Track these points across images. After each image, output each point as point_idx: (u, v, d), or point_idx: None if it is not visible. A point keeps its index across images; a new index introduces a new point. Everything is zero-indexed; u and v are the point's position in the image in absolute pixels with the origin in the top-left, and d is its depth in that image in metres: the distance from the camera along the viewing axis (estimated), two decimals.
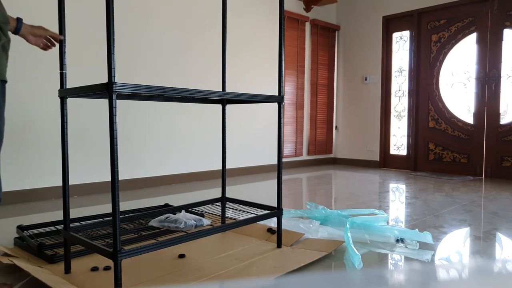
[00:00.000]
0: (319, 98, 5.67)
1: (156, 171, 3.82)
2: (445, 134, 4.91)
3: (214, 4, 4.22)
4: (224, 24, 2.12)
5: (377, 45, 5.47)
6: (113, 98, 1.24)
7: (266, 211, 1.91)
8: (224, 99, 2.11)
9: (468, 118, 4.72)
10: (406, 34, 5.25)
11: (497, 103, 4.47)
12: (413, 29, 5.12)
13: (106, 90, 1.24)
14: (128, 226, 2.12)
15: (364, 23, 5.61)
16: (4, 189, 2.95)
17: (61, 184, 2.98)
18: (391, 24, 5.38)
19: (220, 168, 4.29)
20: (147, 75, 3.71)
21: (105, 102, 3.36)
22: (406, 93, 5.27)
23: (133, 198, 3.21)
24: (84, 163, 3.32)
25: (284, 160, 5.21)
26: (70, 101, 3.20)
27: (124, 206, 2.83)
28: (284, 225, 2.15)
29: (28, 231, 2.03)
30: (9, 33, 1.49)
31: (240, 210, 2.18)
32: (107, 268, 1.62)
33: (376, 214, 2.38)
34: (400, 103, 5.35)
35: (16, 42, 2.75)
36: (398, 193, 3.51)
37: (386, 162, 5.45)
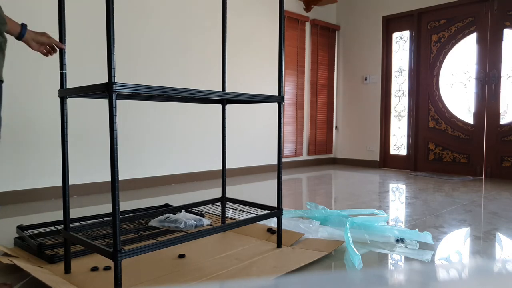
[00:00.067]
0: (319, 98, 5.67)
1: (156, 171, 3.82)
2: (445, 134, 4.91)
3: (214, 4, 4.22)
4: (224, 24, 2.12)
5: (377, 45, 5.47)
6: (113, 98, 1.24)
7: (266, 211, 1.91)
8: (224, 99, 2.11)
9: (468, 118, 4.72)
10: (406, 34, 5.25)
11: (497, 103, 4.47)
12: (413, 29, 5.12)
13: (106, 90, 1.24)
14: (128, 226, 2.12)
15: (364, 23, 5.61)
16: (4, 189, 2.95)
17: (61, 184, 2.98)
18: (391, 24, 5.38)
19: (220, 168, 4.29)
20: (147, 75, 3.71)
21: (105, 102, 3.36)
22: (406, 93, 5.27)
23: (133, 198, 3.21)
24: (84, 163, 3.32)
25: (284, 160, 5.21)
26: (70, 101, 3.20)
27: (124, 206, 2.83)
28: (284, 225, 2.15)
29: (28, 231, 2.03)
30: (8, 34, 1.49)
31: (240, 210, 2.18)
32: (107, 268, 1.62)
33: (376, 214, 2.38)
34: (400, 103, 5.35)
35: (16, 42, 2.75)
36: (398, 193, 3.51)
37: (386, 162, 5.45)
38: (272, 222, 2.30)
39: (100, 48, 3.36)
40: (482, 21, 4.56)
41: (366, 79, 5.59)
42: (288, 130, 5.21)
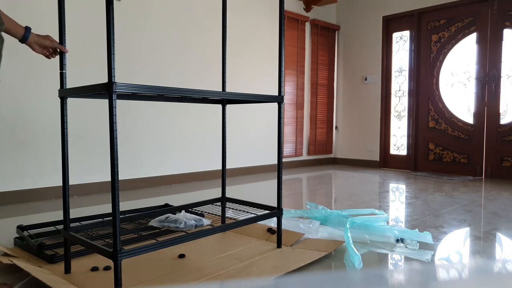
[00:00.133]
0: (319, 98, 5.67)
1: (156, 171, 3.82)
2: (445, 134, 4.91)
3: (214, 4, 4.22)
4: (224, 24, 2.12)
5: (377, 45, 5.47)
6: (113, 98, 1.24)
7: (266, 211, 1.91)
8: (224, 99, 2.11)
9: (468, 118, 4.72)
10: (406, 34, 5.25)
11: (497, 103, 4.47)
12: (413, 29, 5.12)
13: (106, 90, 1.24)
14: (128, 226, 2.12)
15: (364, 23, 5.61)
16: (4, 189, 2.95)
17: (61, 184, 2.98)
18: (391, 24, 5.38)
19: (220, 168, 4.29)
20: (147, 75, 3.71)
21: (105, 102, 3.36)
22: (406, 93, 5.27)
23: (133, 198, 3.21)
24: (84, 163, 3.32)
25: (284, 160, 5.21)
26: (70, 101, 3.20)
27: (124, 206, 2.83)
28: (284, 225, 2.15)
29: (28, 231, 2.03)
30: (12, 36, 1.50)
31: (240, 210, 2.18)
32: (107, 268, 1.62)
33: (376, 214, 2.38)
34: (400, 103, 5.35)
35: (16, 42, 2.74)
36: (398, 193, 3.51)
37: (386, 162, 5.45)
38: (272, 222, 2.30)
39: (100, 48, 3.36)
40: (482, 21, 4.56)
41: (366, 79, 5.59)
42: (288, 130, 5.21)
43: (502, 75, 4.44)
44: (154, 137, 3.79)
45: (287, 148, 5.22)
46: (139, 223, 2.12)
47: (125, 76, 3.52)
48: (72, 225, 1.97)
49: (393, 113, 5.42)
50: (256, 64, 4.74)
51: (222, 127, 2.15)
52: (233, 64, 4.46)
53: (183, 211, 1.84)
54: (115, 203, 1.25)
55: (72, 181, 3.23)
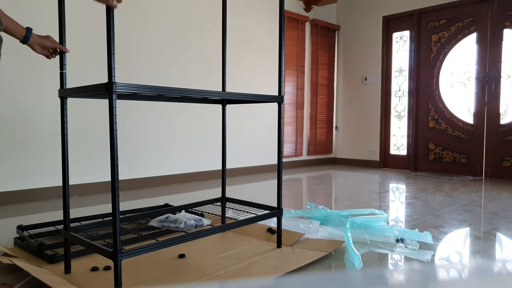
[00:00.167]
0: (319, 98, 5.67)
1: (156, 171, 3.82)
2: (445, 134, 4.91)
3: (214, 4, 4.22)
4: (224, 24, 2.12)
5: (377, 45, 5.47)
6: (113, 98, 1.24)
7: (266, 211, 1.91)
8: (224, 99, 2.11)
9: (468, 118, 4.72)
10: (406, 34, 5.25)
11: (497, 103, 4.47)
12: (413, 29, 5.12)
13: (106, 90, 1.24)
14: (128, 226, 2.12)
15: (364, 23, 5.61)
16: (4, 189, 2.95)
17: (61, 184, 2.98)
18: (391, 24, 5.38)
19: (220, 168, 4.29)
20: (147, 75, 3.71)
21: (105, 102, 3.36)
22: (406, 93, 5.27)
23: (133, 198, 3.21)
24: (84, 163, 3.32)
25: (284, 160, 5.21)
26: (70, 101, 3.20)
27: (124, 206, 2.83)
28: (284, 225, 2.15)
29: (28, 231, 2.03)
30: (13, 37, 1.50)
31: (240, 210, 2.18)
32: (107, 268, 1.62)
33: (376, 214, 2.38)
34: (400, 103, 5.35)
35: (16, 42, 2.74)
36: (398, 193, 3.51)
37: (386, 162, 5.45)
38: (272, 222, 2.30)
39: (100, 48, 3.36)
40: (482, 21, 4.56)
41: (366, 79, 5.59)
42: (288, 130, 5.21)
43: (502, 75, 4.44)
44: (154, 137, 3.79)
45: (287, 148, 5.22)
46: (139, 223, 2.12)
47: (125, 76, 3.52)
48: (72, 225, 1.97)
49: (393, 113, 5.42)
50: (256, 64, 4.74)
51: (222, 127, 2.15)
52: (233, 64, 4.46)
53: (183, 211, 1.84)
54: (115, 203, 1.25)
55: (72, 181, 3.23)
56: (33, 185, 3.07)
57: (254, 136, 4.75)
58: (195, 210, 2.26)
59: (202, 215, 2.12)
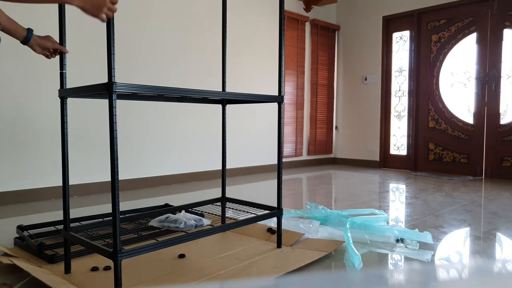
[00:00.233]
0: (319, 98, 5.67)
1: (156, 171, 3.82)
2: (445, 134, 4.91)
3: (214, 4, 4.22)
4: (224, 24, 2.12)
5: (377, 45, 5.47)
6: (113, 98, 1.24)
7: (266, 211, 1.91)
8: (224, 99, 2.11)
9: (468, 118, 4.72)
10: (406, 34, 5.25)
11: (497, 103, 4.47)
12: (413, 29, 5.12)
13: (106, 90, 1.24)
14: (128, 226, 2.12)
15: (364, 23, 5.61)
16: (4, 189, 2.95)
17: (61, 184, 2.98)
18: (391, 24, 5.38)
19: (220, 168, 4.29)
20: (147, 75, 3.71)
21: (105, 102, 3.36)
22: (406, 93, 5.27)
23: (133, 198, 3.21)
24: (84, 163, 3.32)
25: (284, 160, 5.21)
26: (70, 101, 3.20)
27: (124, 206, 2.83)
28: (284, 225, 2.15)
29: (28, 231, 2.03)
30: (13, 38, 1.50)
31: (240, 210, 2.18)
32: (107, 268, 1.62)
33: (376, 214, 2.38)
34: (400, 103, 5.35)
35: (16, 42, 2.74)
36: (398, 193, 3.51)
37: (386, 162, 5.45)
38: (272, 222, 2.30)
39: (100, 48, 3.36)
40: (482, 21, 4.56)
41: (366, 79, 5.59)
42: (288, 130, 5.21)
43: (502, 75, 4.44)
44: (154, 137, 3.79)
45: (287, 148, 5.22)
46: (139, 223, 2.12)
47: (125, 76, 3.52)
48: (72, 225, 1.97)
49: (393, 113, 5.42)
50: (256, 64, 4.74)
51: (222, 127, 2.15)
52: (233, 64, 4.46)
53: (183, 211, 1.84)
54: (115, 203, 1.25)
55: (72, 181, 3.23)
56: (33, 185, 3.07)
57: (254, 136, 4.75)
58: (195, 210, 2.26)
59: (202, 215, 2.12)
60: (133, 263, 1.68)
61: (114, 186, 1.25)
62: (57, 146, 3.18)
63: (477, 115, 4.62)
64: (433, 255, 1.85)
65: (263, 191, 3.61)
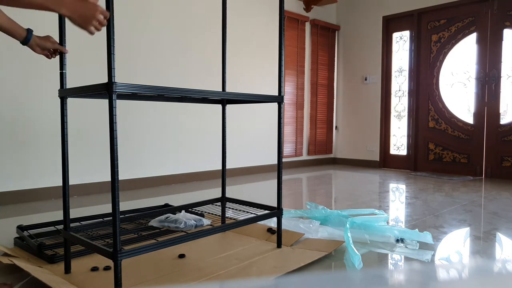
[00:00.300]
0: (319, 98, 5.67)
1: (156, 171, 3.82)
2: (445, 134, 4.91)
3: (214, 4, 4.22)
4: (224, 24, 2.12)
5: (377, 45, 5.47)
6: (113, 98, 1.24)
7: (266, 211, 1.91)
8: (224, 99, 2.11)
9: (468, 118, 4.72)
10: (406, 34, 5.25)
11: (497, 103, 4.47)
12: (413, 29, 5.12)
13: (106, 90, 1.24)
14: (128, 226, 2.12)
15: (364, 23, 5.61)
16: (4, 189, 2.95)
17: (61, 184, 2.98)
18: (391, 24, 5.38)
19: (220, 168, 4.29)
20: (147, 75, 3.71)
21: (105, 102, 3.36)
22: (406, 93, 5.27)
23: (133, 198, 3.21)
24: (84, 163, 3.32)
25: (284, 160, 5.21)
26: (70, 101, 3.20)
27: (124, 206, 2.83)
28: (284, 225, 2.15)
29: (28, 231, 2.03)
30: (13, 38, 1.50)
31: (240, 210, 2.18)
32: (107, 268, 1.62)
33: (376, 214, 2.38)
34: (400, 103, 5.35)
35: (16, 42, 2.75)
36: (398, 193, 3.51)
37: (386, 162, 5.45)
38: (272, 222, 2.30)
39: (100, 48, 3.36)
40: (482, 21, 4.56)
41: (366, 79, 5.59)
42: (288, 130, 5.21)
43: (502, 75, 4.44)
44: (154, 137, 3.79)
45: (287, 148, 5.22)
46: (139, 223, 2.12)
47: (125, 76, 3.52)
48: (72, 225, 1.97)
49: (393, 113, 5.42)
50: (256, 64, 4.74)
51: (222, 127, 2.15)
52: (233, 64, 4.46)
53: (183, 211, 1.84)
54: (115, 203, 1.25)
55: (72, 181, 3.23)
56: (33, 185, 3.07)
57: (254, 136, 4.75)
58: (195, 210, 2.26)
59: (202, 215, 2.12)
60: (133, 263, 1.68)
61: (114, 186, 1.25)
62: (57, 146, 3.18)
63: (477, 115, 4.62)
64: (433, 255, 1.85)
65: (263, 191, 3.61)
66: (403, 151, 5.31)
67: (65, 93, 1.52)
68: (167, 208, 2.13)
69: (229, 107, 4.41)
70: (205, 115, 4.20)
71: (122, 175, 3.54)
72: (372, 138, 5.55)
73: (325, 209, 2.36)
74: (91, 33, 1.26)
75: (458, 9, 4.75)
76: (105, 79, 3.31)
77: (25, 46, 1.52)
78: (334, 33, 5.86)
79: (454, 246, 1.99)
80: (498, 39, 4.44)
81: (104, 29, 1.29)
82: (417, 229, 2.03)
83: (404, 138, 5.30)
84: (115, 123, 1.25)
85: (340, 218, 2.27)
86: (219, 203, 2.21)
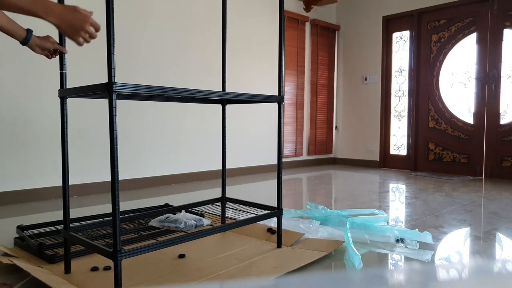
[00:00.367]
0: (319, 98, 5.67)
1: (156, 171, 3.82)
2: (445, 134, 4.91)
3: (214, 4, 4.22)
4: (224, 24, 2.12)
5: (377, 45, 5.47)
6: (113, 98, 1.24)
7: (266, 211, 1.91)
8: (224, 99, 2.11)
9: (468, 118, 4.72)
10: (406, 34, 5.25)
11: (497, 103, 4.47)
12: (413, 29, 5.12)
13: (106, 90, 1.24)
14: (128, 226, 2.12)
15: (364, 23, 5.61)
16: (4, 189, 2.95)
17: (61, 184, 2.98)
18: (391, 24, 5.38)
19: (220, 168, 4.29)
20: (147, 75, 3.71)
21: (105, 102, 3.36)
22: (406, 93, 5.27)
23: (133, 198, 3.21)
24: (84, 163, 3.32)
25: (284, 160, 5.21)
26: (70, 101, 3.20)
27: (124, 206, 2.83)
28: (284, 225, 2.15)
29: (28, 231, 2.03)
30: (12, 38, 1.50)
31: (240, 210, 2.18)
32: (107, 268, 1.62)
33: (376, 214, 2.38)
34: (400, 103, 5.35)
35: (16, 42, 2.75)
36: (398, 193, 3.51)
37: (386, 162, 5.45)
38: (272, 222, 2.30)
39: (100, 48, 3.36)
40: (482, 21, 4.56)
41: (366, 79, 5.59)
42: (288, 130, 5.21)
43: (502, 75, 4.44)
44: (154, 137, 3.79)
45: (287, 148, 5.22)
46: (139, 223, 2.12)
47: (125, 76, 3.52)
48: (72, 225, 1.97)
49: (393, 113, 5.42)
50: (256, 64, 4.74)
51: (222, 127, 2.15)
52: (233, 64, 4.46)
53: (183, 211, 1.84)
54: (115, 203, 1.25)
55: (72, 181, 3.23)
56: (33, 185, 3.07)
57: (254, 136, 4.75)
58: (195, 210, 2.26)
59: (202, 215, 2.12)
60: (133, 263, 1.68)
61: (114, 186, 1.25)
62: (57, 146, 3.18)
63: (477, 115, 4.62)
64: (433, 255, 1.85)
65: (263, 191, 3.61)
66: (403, 151, 5.31)
67: (65, 93, 1.52)
68: (167, 208, 2.13)
69: (229, 107, 4.41)
70: (205, 115, 4.20)
71: (122, 175, 3.54)
72: (372, 138, 5.55)
73: (325, 209, 2.36)
74: (79, 44, 1.25)
75: (458, 9, 4.75)
76: (105, 79, 3.31)
77: (25, 46, 1.52)
78: (334, 33, 5.86)
79: (454, 246, 1.99)
80: (498, 39, 4.44)
81: (104, 29, 1.29)
82: (417, 229, 2.03)
83: (404, 138, 5.30)
84: (115, 123, 1.25)
85: (340, 218, 2.27)
86: (219, 203, 2.21)
